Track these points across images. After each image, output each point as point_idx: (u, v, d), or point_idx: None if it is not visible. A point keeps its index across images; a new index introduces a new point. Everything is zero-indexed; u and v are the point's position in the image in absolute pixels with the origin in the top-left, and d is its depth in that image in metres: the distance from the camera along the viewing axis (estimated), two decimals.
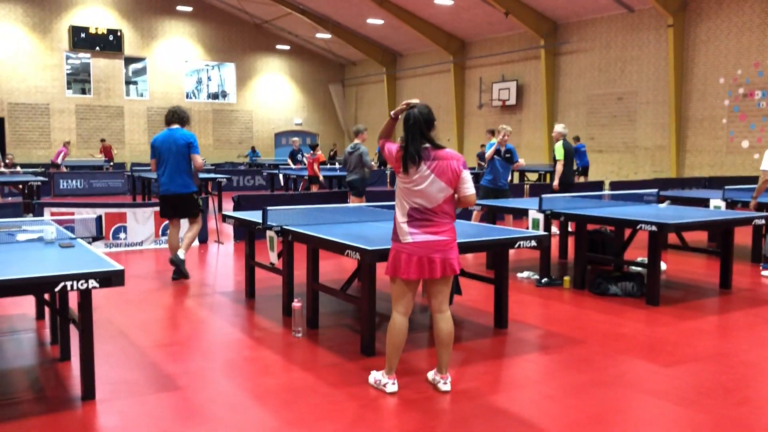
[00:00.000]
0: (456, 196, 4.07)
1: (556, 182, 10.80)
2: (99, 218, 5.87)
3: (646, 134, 20.59)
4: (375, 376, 4.26)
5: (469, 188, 4.07)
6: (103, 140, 26.40)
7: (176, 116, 7.36)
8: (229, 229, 11.32)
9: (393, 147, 4.11)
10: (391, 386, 4.12)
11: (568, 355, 4.91)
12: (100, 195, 18.94)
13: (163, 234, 9.98)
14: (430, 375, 4.30)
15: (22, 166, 18.53)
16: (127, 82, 29.48)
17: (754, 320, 5.89)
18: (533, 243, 5.39)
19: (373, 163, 9.74)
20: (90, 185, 19.69)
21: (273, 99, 33.16)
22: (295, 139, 20.91)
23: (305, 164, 17.34)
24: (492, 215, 8.67)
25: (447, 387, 4.15)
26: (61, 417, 3.78)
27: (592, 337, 5.34)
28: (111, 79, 29.05)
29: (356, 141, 10.92)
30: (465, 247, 4.96)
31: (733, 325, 5.81)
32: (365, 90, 33.49)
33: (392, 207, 7.15)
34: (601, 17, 21.52)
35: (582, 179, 18.09)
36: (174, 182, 7.30)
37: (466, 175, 4.07)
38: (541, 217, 7.15)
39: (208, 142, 31.33)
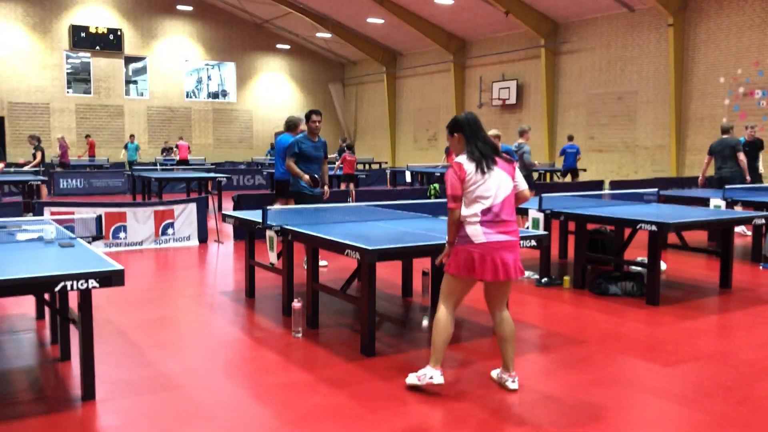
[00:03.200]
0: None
1: None
2: (99, 218, 5.86)
3: (646, 134, 20.58)
4: (418, 373, 4.18)
5: (523, 183, 4.19)
6: (87, 136, 26.26)
7: (285, 124, 9.29)
8: (229, 228, 11.32)
9: (453, 179, 4.02)
10: (439, 377, 4.12)
11: (568, 355, 4.91)
12: (100, 194, 18.94)
13: (163, 234, 9.99)
14: (495, 374, 4.32)
15: (23, 165, 18.49)
16: (128, 82, 29.46)
17: (754, 320, 5.89)
18: (533, 243, 5.39)
19: (536, 162, 10.85)
20: (90, 185, 19.69)
21: (273, 98, 33.14)
22: None
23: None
24: None
25: (515, 385, 4.17)
26: (61, 417, 3.78)
27: (592, 337, 5.34)
28: (111, 79, 29.04)
29: (520, 140, 11.41)
30: None
31: (733, 325, 5.81)
32: (365, 89, 33.48)
33: (392, 207, 7.16)
34: (602, 17, 21.51)
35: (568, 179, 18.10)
36: (277, 171, 9.29)
37: (518, 171, 4.19)
38: (541, 216, 7.14)
39: (208, 142, 31.33)
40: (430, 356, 4.17)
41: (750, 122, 14.10)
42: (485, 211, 3.98)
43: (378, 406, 3.94)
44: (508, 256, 4.00)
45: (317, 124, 7.68)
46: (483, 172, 3.99)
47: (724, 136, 10.97)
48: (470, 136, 4.09)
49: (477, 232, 3.98)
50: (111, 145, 28.64)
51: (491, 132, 10.73)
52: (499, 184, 4.03)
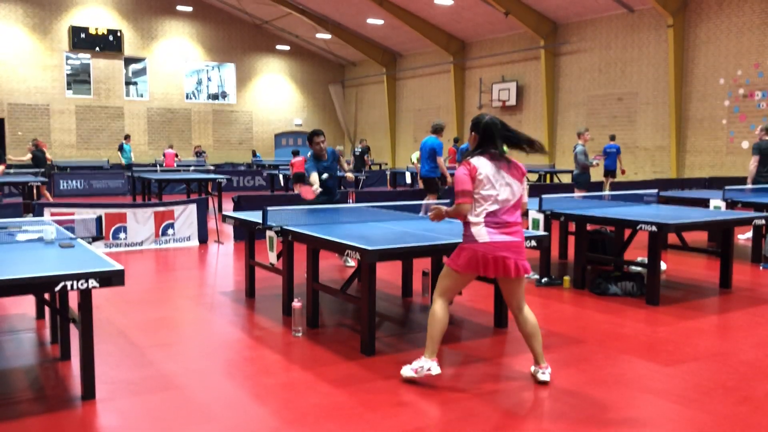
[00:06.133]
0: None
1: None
2: (99, 218, 5.86)
3: (647, 135, 20.59)
4: (413, 366, 4.26)
5: (526, 195, 4.36)
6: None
7: (432, 128, 10.68)
8: (229, 229, 11.32)
9: (464, 176, 4.09)
10: (437, 368, 4.21)
11: (568, 354, 4.91)
12: (100, 195, 18.95)
13: (163, 234, 9.99)
14: (532, 368, 4.40)
15: (23, 166, 18.50)
16: (127, 83, 29.48)
17: (754, 320, 5.89)
18: (533, 243, 5.39)
19: (594, 162, 12.48)
20: (90, 185, 19.70)
21: (273, 99, 33.16)
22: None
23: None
24: None
25: (546, 377, 4.28)
26: (61, 417, 3.78)
27: (592, 337, 5.34)
28: (111, 80, 29.05)
29: (578, 142, 12.28)
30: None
31: (733, 325, 5.81)
32: (365, 90, 33.49)
33: (392, 207, 7.17)
34: (601, 17, 21.53)
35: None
36: (423, 169, 10.69)
37: (525, 184, 4.33)
38: (541, 217, 7.15)
39: (208, 143, 31.33)
40: (425, 348, 4.27)
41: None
42: (490, 214, 4.10)
43: (378, 406, 3.94)
44: (509, 255, 4.10)
45: (321, 145, 7.72)
46: (493, 174, 4.10)
47: None
48: (484, 138, 4.19)
49: (481, 233, 4.10)
50: (111, 146, 28.65)
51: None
52: (508, 188, 4.13)
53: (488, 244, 4.08)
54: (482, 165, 4.10)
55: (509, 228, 4.13)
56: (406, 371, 4.29)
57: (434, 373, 4.21)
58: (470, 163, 4.12)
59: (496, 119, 4.21)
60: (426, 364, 4.21)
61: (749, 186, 10.46)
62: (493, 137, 4.16)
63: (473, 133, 4.25)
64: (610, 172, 17.67)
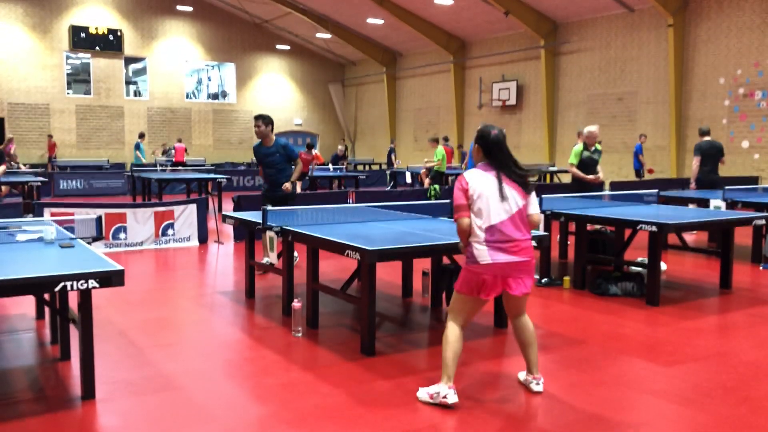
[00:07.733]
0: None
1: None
2: (99, 218, 5.86)
3: (646, 134, 20.56)
4: (430, 390, 3.99)
5: (534, 207, 4.09)
6: (50, 136, 26.12)
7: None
8: (229, 229, 11.32)
9: (457, 190, 3.94)
10: (453, 396, 3.91)
11: (568, 355, 4.91)
12: (100, 195, 18.94)
13: (163, 234, 9.98)
14: (521, 376, 4.29)
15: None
16: (127, 82, 29.46)
17: (754, 320, 5.89)
18: (533, 243, 5.38)
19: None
20: (90, 185, 19.69)
21: (273, 99, 33.13)
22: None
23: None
24: None
25: (539, 387, 4.14)
26: (61, 417, 3.78)
27: (592, 337, 5.34)
28: (111, 79, 29.03)
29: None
30: None
31: (733, 325, 5.81)
32: (365, 90, 33.47)
33: (391, 207, 7.17)
34: (601, 17, 21.51)
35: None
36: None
37: (533, 196, 4.12)
38: (541, 217, 7.13)
39: (208, 143, 31.32)
40: (441, 373, 3.99)
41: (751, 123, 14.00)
42: (489, 230, 3.87)
43: (378, 406, 3.94)
44: (513, 277, 3.91)
45: (257, 129, 7.85)
46: (487, 187, 3.89)
47: (710, 138, 11.11)
48: (486, 150, 3.99)
49: (483, 253, 3.88)
50: (111, 146, 28.65)
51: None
52: (506, 200, 3.90)
53: (491, 266, 3.86)
54: (474, 176, 3.92)
55: (513, 245, 3.89)
56: (422, 394, 4.02)
57: (450, 402, 3.88)
58: (461, 175, 3.96)
59: (500, 134, 3.98)
60: (442, 391, 3.92)
61: (693, 186, 10.54)
62: (495, 148, 3.96)
63: (476, 144, 4.04)
64: (636, 171, 17.86)
